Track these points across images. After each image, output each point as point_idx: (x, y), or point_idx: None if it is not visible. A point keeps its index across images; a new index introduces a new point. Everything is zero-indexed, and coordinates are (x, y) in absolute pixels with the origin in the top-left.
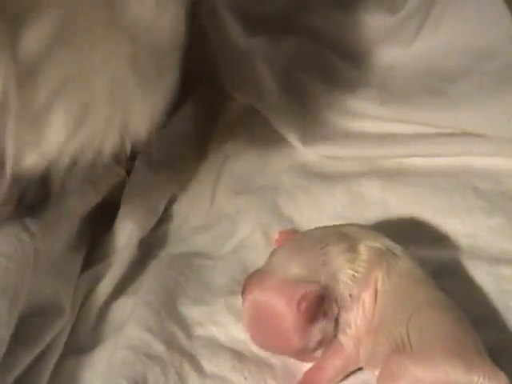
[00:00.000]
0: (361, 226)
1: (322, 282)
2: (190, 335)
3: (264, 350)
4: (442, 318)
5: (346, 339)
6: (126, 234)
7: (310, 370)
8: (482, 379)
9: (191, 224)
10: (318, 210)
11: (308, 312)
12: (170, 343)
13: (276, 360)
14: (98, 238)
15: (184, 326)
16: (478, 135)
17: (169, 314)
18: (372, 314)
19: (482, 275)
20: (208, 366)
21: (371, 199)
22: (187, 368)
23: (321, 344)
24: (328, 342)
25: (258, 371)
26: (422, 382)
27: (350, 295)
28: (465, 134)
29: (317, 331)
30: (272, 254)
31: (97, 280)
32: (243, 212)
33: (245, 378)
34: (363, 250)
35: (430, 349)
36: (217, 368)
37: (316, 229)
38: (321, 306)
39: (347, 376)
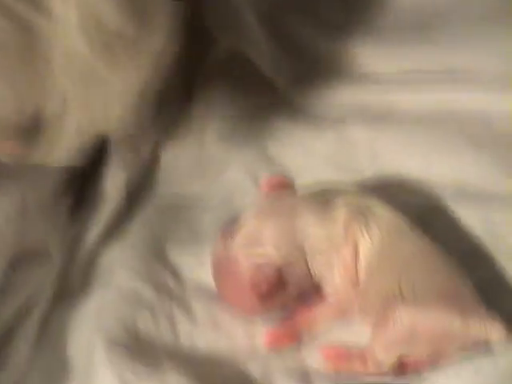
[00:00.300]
0: (337, 184)
1: (290, 255)
2: (179, 280)
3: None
4: (433, 269)
5: (331, 298)
6: (114, 180)
7: (301, 311)
8: (478, 328)
9: (179, 169)
10: (306, 154)
11: (263, 295)
12: (160, 288)
13: None
14: (86, 185)
15: (173, 271)
16: (466, 76)
17: (158, 259)
18: (355, 272)
19: (471, 218)
20: (199, 311)
21: (359, 142)
22: (178, 313)
23: (284, 306)
24: (295, 302)
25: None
26: (418, 332)
27: (327, 260)
28: (453, 76)
29: (276, 303)
30: (249, 215)
31: (85, 226)
32: (231, 157)
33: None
34: (339, 211)
35: (425, 301)
36: (208, 313)
37: (293, 192)
38: (279, 286)
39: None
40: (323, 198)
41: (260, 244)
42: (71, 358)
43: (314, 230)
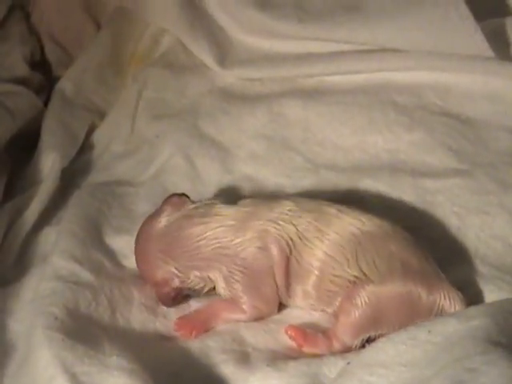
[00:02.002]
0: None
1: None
2: (117, 264)
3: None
4: (389, 244)
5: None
6: (48, 163)
7: (217, 304)
8: (443, 299)
9: (112, 151)
10: (239, 130)
11: (168, 305)
12: (98, 271)
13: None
14: (20, 169)
15: (110, 255)
16: (396, 50)
17: (94, 243)
18: (284, 274)
19: (406, 188)
20: (137, 292)
21: (292, 118)
22: (117, 294)
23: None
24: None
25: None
26: (385, 310)
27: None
28: (383, 50)
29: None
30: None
31: (19, 210)
32: (163, 136)
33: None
34: (253, 227)
35: (390, 278)
36: (145, 295)
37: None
38: (180, 298)
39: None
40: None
41: (166, 262)
42: (10, 341)
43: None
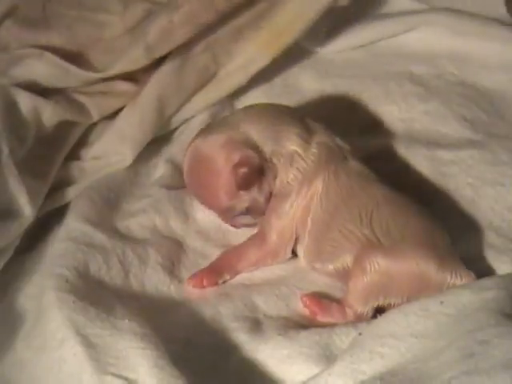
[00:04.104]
0: (314, 119)
1: (268, 156)
2: (134, 226)
3: (196, 199)
4: (407, 214)
5: (271, 231)
6: None
7: (228, 252)
8: (453, 278)
9: None
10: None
11: (243, 178)
12: (112, 233)
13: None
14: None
15: (128, 217)
16: (413, 12)
17: (111, 208)
18: (310, 212)
19: (420, 159)
20: (152, 255)
21: (307, 89)
22: (131, 255)
23: (247, 212)
24: (255, 213)
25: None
26: (395, 278)
27: (288, 182)
28: (399, 13)
29: (246, 198)
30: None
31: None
32: None
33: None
34: (315, 145)
35: (402, 246)
36: (161, 258)
37: (275, 105)
38: (257, 176)
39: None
40: (303, 123)
41: (243, 137)
42: (23, 303)
43: (293, 149)
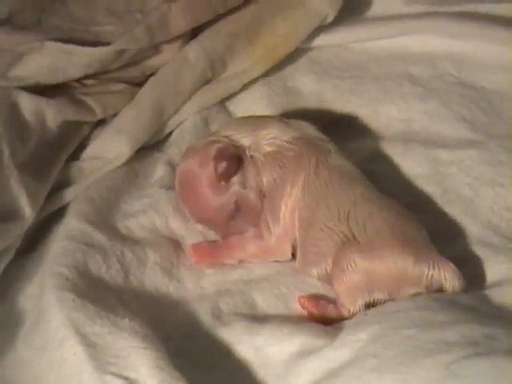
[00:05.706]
0: (306, 119)
1: (246, 150)
2: (133, 226)
3: (192, 218)
4: (383, 211)
5: (270, 235)
6: None
7: (222, 243)
8: (431, 270)
9: None
10: (252, 102)
11: (222, 167)
12: (111, 233)
13: None
14: None
15: (127, 217)
16: (412, 16)
17: (110, 208)
18: (296, 209)
19: (419, 159)
20: (151, 255)
21: (306, 92)
22: (130, 256)
23: (240, 213)
24: (248, 213)
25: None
26: (373, 275)
27: (275, 180)
28: (401, 15)
29: (231, 191)
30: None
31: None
32: None
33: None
34: (294, 140)
35: (378, 242)
36: (159, 258)
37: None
38: (235, 165)
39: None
40: (283, 121)
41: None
42: (24, 304)
43: (272, 142)
